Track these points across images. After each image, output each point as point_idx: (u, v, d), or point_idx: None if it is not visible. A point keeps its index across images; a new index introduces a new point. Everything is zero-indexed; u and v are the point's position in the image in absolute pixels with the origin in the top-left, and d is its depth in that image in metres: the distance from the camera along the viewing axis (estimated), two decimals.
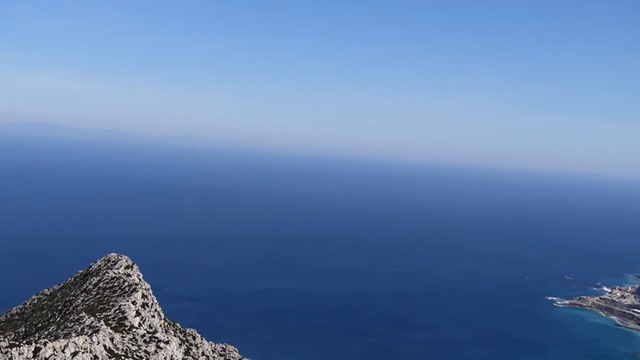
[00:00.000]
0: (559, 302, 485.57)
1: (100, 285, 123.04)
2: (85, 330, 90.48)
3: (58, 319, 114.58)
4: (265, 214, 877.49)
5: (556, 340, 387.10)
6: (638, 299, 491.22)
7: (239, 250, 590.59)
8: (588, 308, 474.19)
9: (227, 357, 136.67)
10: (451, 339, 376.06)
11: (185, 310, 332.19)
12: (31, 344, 74.58)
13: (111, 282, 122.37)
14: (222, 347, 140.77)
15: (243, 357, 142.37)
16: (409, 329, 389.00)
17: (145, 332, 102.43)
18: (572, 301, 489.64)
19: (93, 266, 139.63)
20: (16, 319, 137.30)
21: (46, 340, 78.74)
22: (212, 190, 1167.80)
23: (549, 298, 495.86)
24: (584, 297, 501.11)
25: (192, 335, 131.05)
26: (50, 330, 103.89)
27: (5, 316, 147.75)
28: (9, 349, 71.30)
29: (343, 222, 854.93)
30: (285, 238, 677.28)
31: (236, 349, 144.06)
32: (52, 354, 73.70)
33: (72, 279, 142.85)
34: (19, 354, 71.06)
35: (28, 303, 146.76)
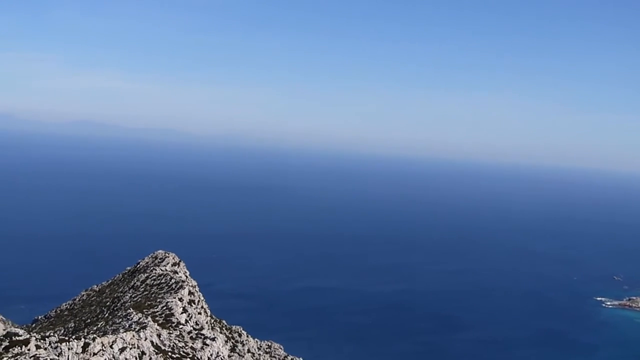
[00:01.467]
0: (608, 303, 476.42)
1: (148, 282, 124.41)
2: (133, 326, 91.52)
3: (106, 315, 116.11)
4: (312, 212, 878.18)
5: (605, 342, 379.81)
6: None
7: (286, 248, 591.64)
8: (638, 309, 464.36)
9: (272, 355, 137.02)
10: (500, 338, 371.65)
11: (231, 308, 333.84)
12: (80, 339, 75.62)
13: (158, 279, 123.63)
14: (268, 345, 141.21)
15: (288, 355, 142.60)
16: (457, 329, 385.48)
17: (192, 328, 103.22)
18: (621, 302, 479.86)
19: (141, 263, 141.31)
20: (66, 315, 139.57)
21: (95, 335, 79.83)
22: (259, 189, 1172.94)
23: (598, 299, 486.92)
24: (634, 297, 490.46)
25: (238, 332, 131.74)
26: (98, 326, 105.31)
27: (55, 312, 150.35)
28: (59, 344, 72.41)
29: (390, 220, 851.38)
30: (331, 236, 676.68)
31: (281, 347, 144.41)
32: (100, 350, 74.66)
33: (120, 275, 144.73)
34: (69, 349, 72.11)
35: (77, 299, 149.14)
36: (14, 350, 67.88)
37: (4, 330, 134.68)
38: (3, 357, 65.68)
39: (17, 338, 70.52)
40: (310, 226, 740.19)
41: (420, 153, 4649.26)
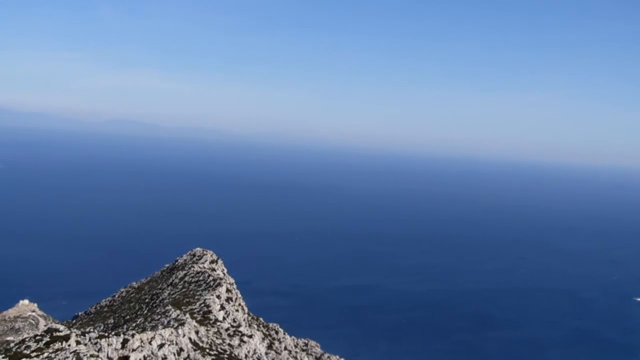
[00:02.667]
0: None
1: (186, 279, 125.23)
2: (172, 323, 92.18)
3: (145, 311, 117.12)
4: (349, 210, 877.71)
5: None
6: None
7: (323, 246, 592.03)
8: None
9: (309, 352, 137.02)
10: (537, 338, 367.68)
11: (269, 305, 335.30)
12: (119, 335, 76.39)
13: (196, 277, 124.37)
14: (305, 342, 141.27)
15: (325, 353, 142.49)
16: (494, 328, 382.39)
17: (230, 325, 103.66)
18: None
19: (179, 260, 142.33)
20: (105, 311, 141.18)
21: (134, 332, 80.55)
22: (296, 187, 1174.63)
23: (639, 299, 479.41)
24: None
25: (275, 329, 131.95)
26: (137, 322, 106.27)
27: (95, 308, 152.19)
28: (98, 340, 73.22)
29: (426, 219, 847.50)
30: (369, 235, 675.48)
31: (318, 344, 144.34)
32: (139, 346, 75.33)
33: (159, 272, 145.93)
34: (108, 345, 72.89)
35: (117, 295, 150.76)
36: (54, 345, 68.80)
37: (45, 325, 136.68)
38: (44, 352, 66.60)
39: (58, 334, 71.45)
40: (347, 225, 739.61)
41: (462, 152, 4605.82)
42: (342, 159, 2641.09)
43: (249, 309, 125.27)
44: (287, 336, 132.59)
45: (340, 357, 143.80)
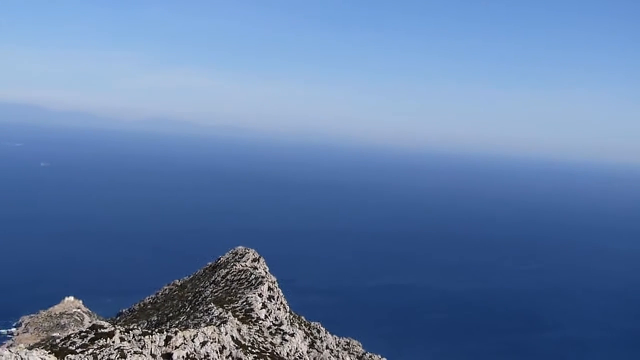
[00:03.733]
0: None
1: (228, 277, 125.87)
2: (214, 320, 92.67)
3: (188, 309, 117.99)
4: (392, 210, 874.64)
5: None
6: None
7: (365, 245, 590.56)
8: None
9: (350, 351, 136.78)
10: (584, 339, 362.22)
11: (310, 304, 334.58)
12: (162, 332, 76.94)
13: (238, 275, 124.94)
14: (346, 341, 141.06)
15: (366, 352, 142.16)
16: (539, 328, 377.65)
17: (271, 324, 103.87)
18: None
19: (221, 259, 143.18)
20: (149, 308, 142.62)
21: (177, 329, 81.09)
22: (339, 187, 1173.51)
23: None
24: None
25: (316, 328, 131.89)
26: (180, 319, 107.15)
27: (139, 305, 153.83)
28: (142, 337, 73.85)
29: (463, 218, 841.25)
30: (412, 235, 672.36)
31: (360, 343, 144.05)
32: (182, 343, 75.80)
33: (202, 270, 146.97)
34: (151, 341, 73.47)
35: (160, 293, 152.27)
36: (99, 342, 69.57)
37: (90, 322, 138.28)
38: (89, 349, 67.36)
39: (102, 330, 72.27)
40: (389, 224, 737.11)
41: (507, 151, 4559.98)
42: (379, 157, 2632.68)
43: (290, 308, 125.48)
44: (329, 335, 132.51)
45: (382, 357, 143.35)
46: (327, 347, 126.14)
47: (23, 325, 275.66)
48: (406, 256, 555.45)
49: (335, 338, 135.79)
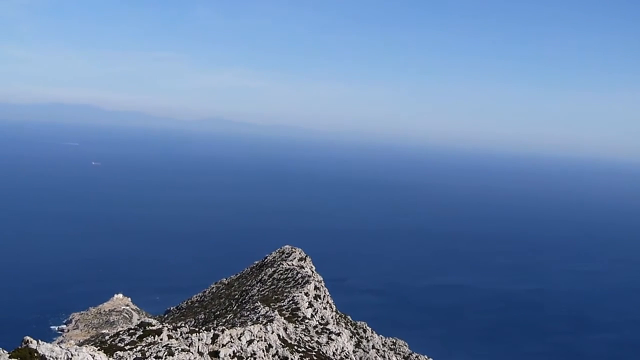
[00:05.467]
0: None
1: (275, 276, 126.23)
2: (261, 319, 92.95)
3: (235, 307, 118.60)
4: (441, 209, 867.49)
5: None
6: None
7: (415, 245, 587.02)
8: None
9: (397, 352, 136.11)
10: (637, 342, 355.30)
11: (357, 303, 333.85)
12: (210, 330, 77.43)
13: (285, 274, 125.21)
14: (393, 341, 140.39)
15: (413, 352, 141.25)
16: (593, 330, 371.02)
17: (318, 323, 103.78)
18: None
19: (268, 257, 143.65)
20: (196, 306, 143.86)
21: (224, 327, 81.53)
22: (388, 186, 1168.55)
23: None
24: None
25: (363, 328, 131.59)
26: (227, 318, 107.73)
27: (187, 303, 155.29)
28: (190, 335, 74.39)
29: (515, 218, 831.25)
30: (462, 234, 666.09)
31: (406, 344, 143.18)
32: (229, 341, 76.15)
33: (249, 269, 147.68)
34: (199, 339, 73.95)
35: (207, 291, 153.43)
36: (147, 339, 70.23)
37: (138, 319, 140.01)
38: (137, 346, 68.04)
39: (151, 328, 72.96)
40: (439, 223, 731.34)
41: (553, 151, 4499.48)
42: (434, 158, 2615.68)
43: (337, 307, 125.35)
44: (375, 335, 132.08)
45: (429, 357, 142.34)
46: (373, 347, 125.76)
47: (73, 322, 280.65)
48: (457, 256, 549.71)
49: (381, 337, 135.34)
